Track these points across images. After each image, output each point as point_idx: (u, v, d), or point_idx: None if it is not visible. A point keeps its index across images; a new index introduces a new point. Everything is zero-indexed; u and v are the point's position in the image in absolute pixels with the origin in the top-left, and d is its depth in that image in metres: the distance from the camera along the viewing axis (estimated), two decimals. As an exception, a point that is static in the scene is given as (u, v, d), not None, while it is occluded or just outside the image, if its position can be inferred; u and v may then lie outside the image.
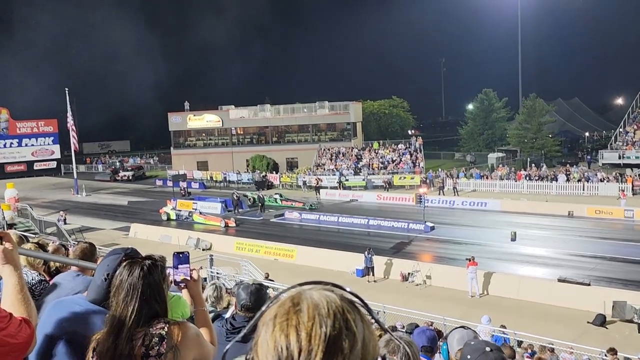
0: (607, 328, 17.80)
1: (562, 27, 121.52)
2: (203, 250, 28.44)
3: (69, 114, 50.44)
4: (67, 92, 49.56)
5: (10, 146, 66.96)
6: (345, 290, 1.15)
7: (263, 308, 1.13)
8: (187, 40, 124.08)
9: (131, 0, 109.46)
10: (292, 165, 56.48)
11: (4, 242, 2.37)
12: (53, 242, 7.89)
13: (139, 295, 2.25)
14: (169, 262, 2.62)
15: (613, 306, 18.18)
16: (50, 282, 3.60)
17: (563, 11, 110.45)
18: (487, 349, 2.81)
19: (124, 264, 2.35)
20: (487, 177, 45.44)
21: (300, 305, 1.08)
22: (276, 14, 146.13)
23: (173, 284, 2.72)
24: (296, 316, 1.07)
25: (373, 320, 1.21)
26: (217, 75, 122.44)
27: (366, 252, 23.69)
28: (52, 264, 4.36)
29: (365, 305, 1.14)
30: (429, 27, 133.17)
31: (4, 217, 29.66)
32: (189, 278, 2.73)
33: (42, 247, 4.46)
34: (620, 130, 50.28)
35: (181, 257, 2.72)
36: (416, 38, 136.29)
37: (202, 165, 58.95)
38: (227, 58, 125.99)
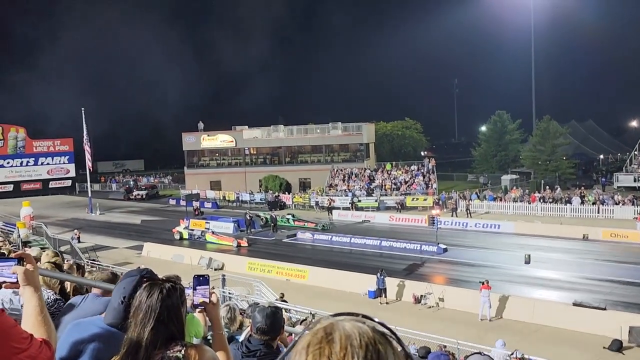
0: (623, 354, 17.50)
1: (576, 49, 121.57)
2: (215, 270, 28.43)
3: (85, 132, 51.00)
4: (83, 111, 50.21)
5: (27, 165, 67.80)
6: (376, 321, 1.17)
7: (296, 337, 1.15)
8: (202, 61, 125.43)
9: (149, 22, 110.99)
10: (304, 186, 56.53)
11: (25, 263, 2.40)
12: (67, 261, 7.96)
13: (156, 317, 2.26)
14: (183, 281, 2.64)
15: (630, 331, 17.91)
16: (67, 302, 3.63)
17: (577, 33, 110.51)
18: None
19: (144, 285, 2.36)
20: (500, 199, 45.14)
21: (332, 335, 1.10)
22: (291, 37, 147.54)
23: (192, 307, 2.73)
24: (329, 346, 1.08)
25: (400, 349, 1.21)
26: (231, 96, 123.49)
27: (378, 274, 23.55)
28: (66, 283, 4.41)
29: (397, 338, 1.16)
30: (442, 48, 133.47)
31: (19, 235, 29.89)
32: (207, 301, 2.74)
33: (58, 267, 4.50)
34: (636, 152, 49.94)
35: (201, 280, 2.74)
36: (429, 59, 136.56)
37: (215, 185, 59.20)
38: (241, 79, 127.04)
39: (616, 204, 40.08)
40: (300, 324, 14.59)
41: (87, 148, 51.03)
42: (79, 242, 34.31)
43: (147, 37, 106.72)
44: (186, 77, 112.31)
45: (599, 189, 47.04)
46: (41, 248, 26.23)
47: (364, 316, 1.17)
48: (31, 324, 2.28)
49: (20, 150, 67.35)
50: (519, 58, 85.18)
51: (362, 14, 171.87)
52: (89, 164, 51.79)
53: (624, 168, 49.75)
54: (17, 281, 2.36)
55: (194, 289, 2.73)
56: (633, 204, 39.35)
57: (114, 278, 3.92)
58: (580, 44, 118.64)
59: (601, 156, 72.45)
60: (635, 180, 45.69)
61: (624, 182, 46.75)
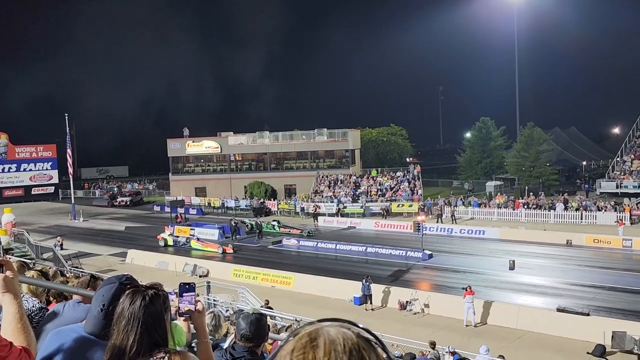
0: (606, 359, 17.63)
1: (559, 57, 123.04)
2: (200, 276, 28.22)
3: (68, 139, 50.61)
4: (66, 117, 49.76)
5: (9, 171, 66.97)
6: (361, 327, 1.16)
7: (281, 343, 1.15)
8: (189, 67, 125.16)
9: (139, 29, 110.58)
10: (290, 192, 56.46)
11: (4, 270, 2.36)
12: (50, 268, 7.86)
13: (140, 324, 2.23)
14: (166, 288, 2.60)
15: (613, 336, 18.03)
16: (49, 310, 3.57)
17: (559, 41, 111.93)
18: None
19: (127, 292, 2.33)
20: (485, 205, 45.41)
21: (317, 341, 1.10)
22: (278, 46, 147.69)
23: (177, 315, 2.70)
24: (312, 351, 1.08)
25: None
26: (217, 103, 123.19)
27: (364, 280, 23.53)
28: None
29: (382, 344, 1.15)
30: (427, 56, 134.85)
31: (0, 242, 29.48)
32: (193, 309, 2.71)
33: (44, 275, 4.44)
34: (618, 159, 50.49)
35: (187, 287, 2.71)
36: (415, 67, 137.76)
37: (201, 192, 58.94)
38: (227, 87, 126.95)
39: (599, 210, 40.52)
40: (285, 330, 14.54)
41: (68, 155, 50.67)
42: (62, 249, 33.95)
43: (134, 43, 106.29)
44: (171, 83, 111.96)
45: (582, 195, 47.51)
46: (22, 255, 25.94)
47: (350, 322, 1.17)
48: (10, 331, 2.24)
49: (2, 156, 66.52)
50: (502, 65, 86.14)
51: (349, 23, 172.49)
52: (70, 169, 51.42)
53: (606, 174, 50.24)
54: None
55: (180, 296, 2.70)
56: (615, 210, 39.80)
57: (93, 281, 3.86)
58: (563, 52, 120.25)
59: (584, 163, 73.24)
60: (617, 187, 46.16)
61: (606, 188, 47.21)
